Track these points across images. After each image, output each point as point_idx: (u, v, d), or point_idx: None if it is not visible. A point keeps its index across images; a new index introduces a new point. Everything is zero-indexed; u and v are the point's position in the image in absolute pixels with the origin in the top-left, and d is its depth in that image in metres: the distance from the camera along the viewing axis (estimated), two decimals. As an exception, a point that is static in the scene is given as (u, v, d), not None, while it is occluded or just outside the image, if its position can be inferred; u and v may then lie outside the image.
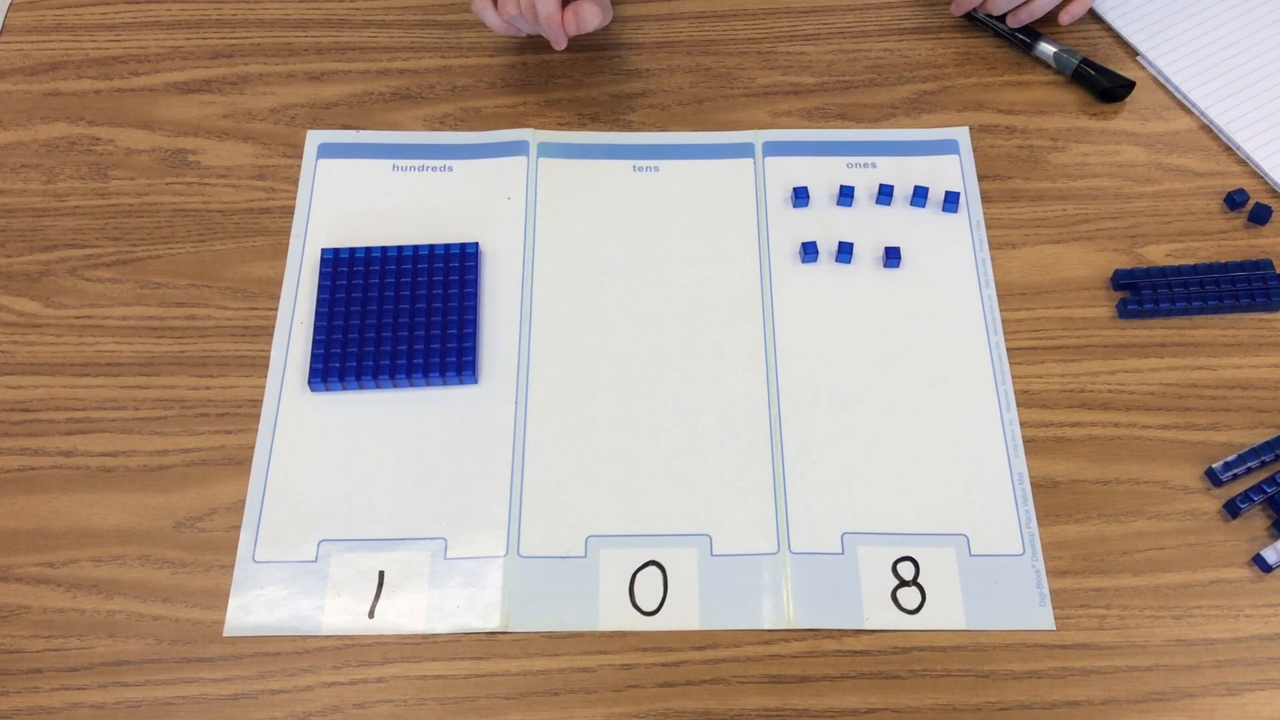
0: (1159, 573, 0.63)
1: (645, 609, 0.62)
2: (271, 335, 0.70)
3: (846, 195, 0.74)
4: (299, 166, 0.76)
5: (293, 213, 0.75)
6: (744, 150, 0.77)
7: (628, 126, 0.78)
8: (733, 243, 0.73)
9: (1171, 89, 0.80)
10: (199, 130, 0.78)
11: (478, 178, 0.76)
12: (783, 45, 0.82)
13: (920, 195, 0.74)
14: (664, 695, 0.59)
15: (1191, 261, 0.72)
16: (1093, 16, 0.83)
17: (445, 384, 0.68)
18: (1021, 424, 0.67)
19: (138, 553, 0.63)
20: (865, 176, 0.76)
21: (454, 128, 0.78)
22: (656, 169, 0.76)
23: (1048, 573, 0.62)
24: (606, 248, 0.73)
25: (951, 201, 0.74)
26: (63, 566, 0.63)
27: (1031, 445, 0.66)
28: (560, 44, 0.72)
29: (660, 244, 0.73)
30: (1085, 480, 0.65)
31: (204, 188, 0.76)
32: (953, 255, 0.73)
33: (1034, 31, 0.81)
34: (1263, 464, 0.65)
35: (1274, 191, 0.75)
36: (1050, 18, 0.79)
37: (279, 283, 0.72)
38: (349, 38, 0.83)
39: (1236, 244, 0.73)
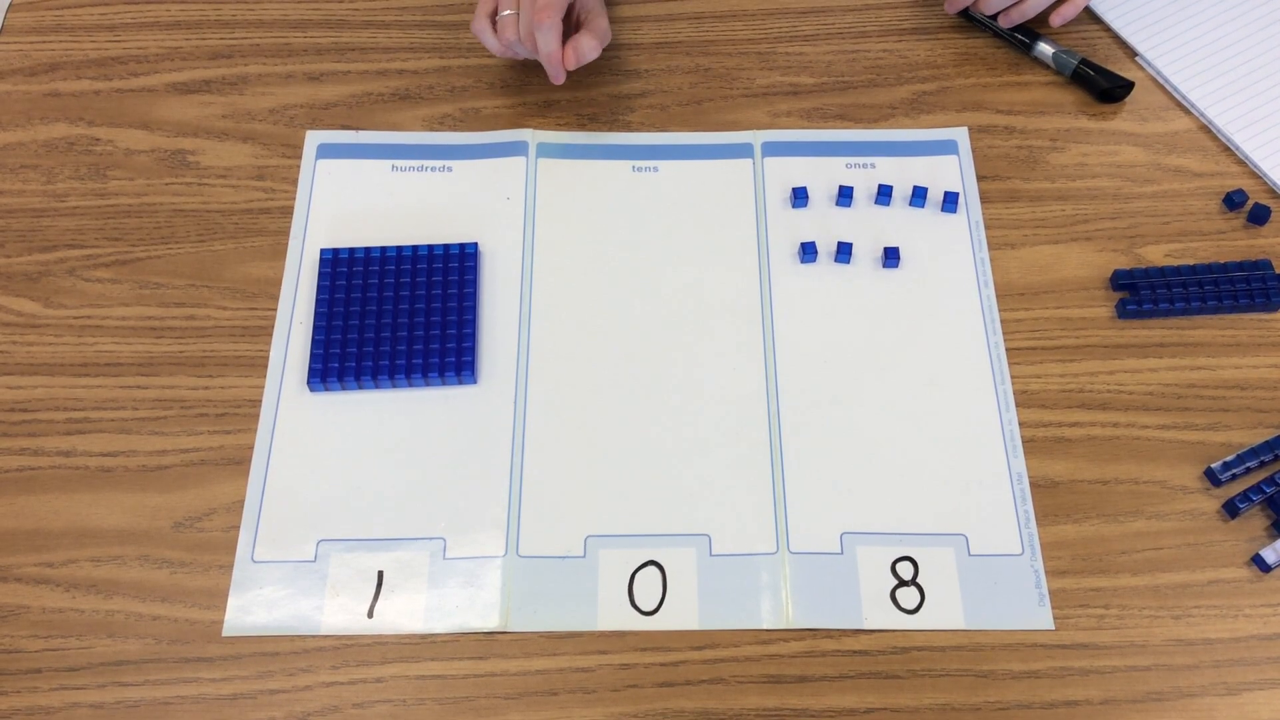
0: (1158, 573, 0.63)
1: (644, 609, 0.62)
2: (270, 335, 0.70)
3: (846, 195, 0.74)
4: (298, 167, 0.76)
5: (292, 213, 0.75)
6: (743, 151, 0.77)
7: (627, 127, 0.78)
8: (732, 243, 0.73)
9: (1170, 89, 0.80)
10: (198, 131, 0.78)
11: (477, 178, 0.76)
12: (782, 46, 0.82)
13: (919, 195, 0.74)
14: (663, 695, 0.59)
15: (1190, 262, 0.72)
16: (1091, 17, 0.83)
17: (444, 384, 0.68)
18: (1020, 424, 0.67)
19: (137, 553, 0.63)
20: (864, 177, 0.76)
21: (453, 128, 0.78)
22: (655, 169, 0.77)
23: (1047, 573, 0.62)
24: (606, 248, 0.73)
25: (950, 202, 0.74)
26: (62, 566, 0.63)
27: (1030, 445, 0.66)
28: (559, 79, 0.74)
29: (659, 244, 0.73)
30: (1084, 480, 0.65)
31: (203, 188, 0.76)
32: (952, 255, 0.73)
33: (1033, 32, 0.81)
34: (1262, 464, 0.65)
35: (1273, 192, 0.75)
36: (1043, 19, 0.79)
37: (278, 283, 0.72)
38: (348, 38, 0.83)
39: (1235, 244, 0.73)
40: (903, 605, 0.62)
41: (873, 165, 0.77)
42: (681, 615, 0.61)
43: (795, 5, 0.84)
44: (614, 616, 0.61)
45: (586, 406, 0.68)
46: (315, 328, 0.69)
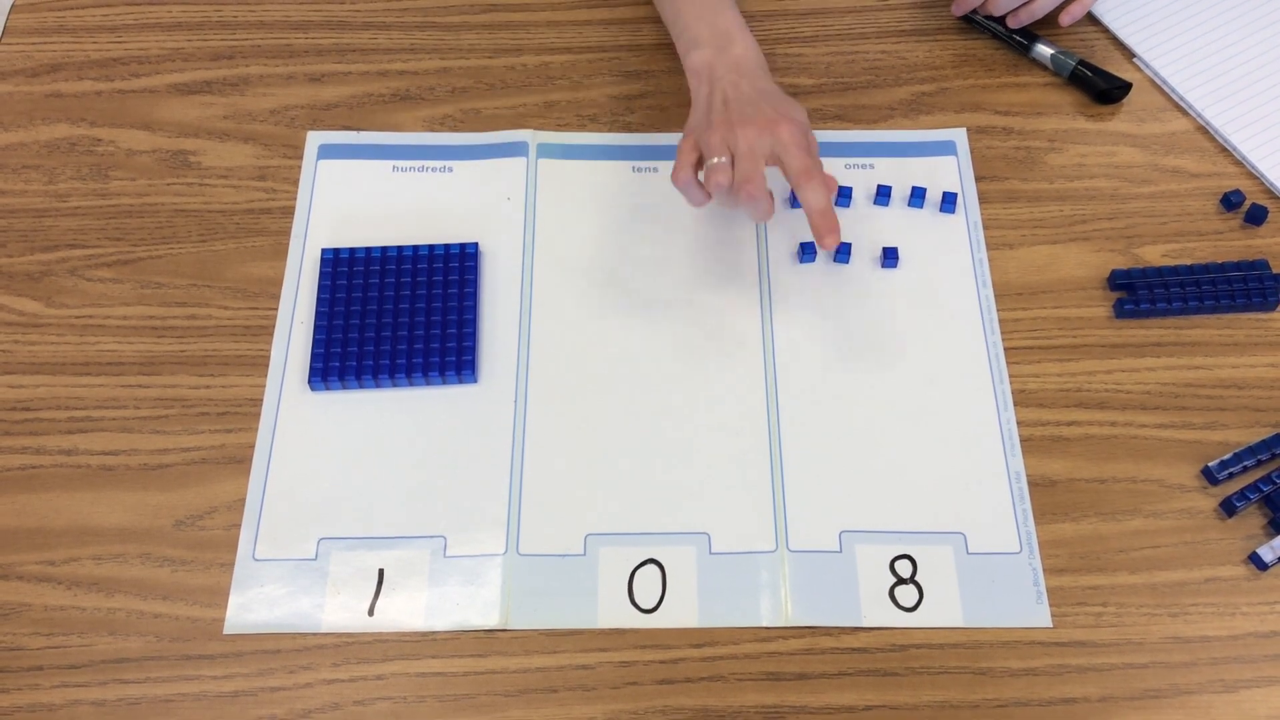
0: (1155, 571, 0.63)
1: (644, 607, 0.62)
2: (272, 335, 0.70)
3: (845, 196, 0.75)
4: (299, 167, 0.77)
5: (293, 213, 0.75)
6: (742, 151, 0.77)
7: (627, 128, 0.79)
8: (731, 243, 0.74)
9: (1168, 90, 0.80)
10: (200, 131, 0.78)
11: (477, 178, 0.76)
12: (781, 47, 0.83)
13: (918, 196, 0.75)
14: (662, 692, 0.60)
15: (1188, 262, 0.73)
16: (1090, 18, 0.83)
17: (445, 383, 0.69)
18: (1019, 423, 0.67)
19: (138, 551, 0.63)
20: (863, 177, 0.76)
21: (453, 129, 0.79)
22: (655, 170, 0.77)
23: (1045, 571, 0.63)
24: (605, 248, 0.74)
25: (949, 202, 0.74)
26: (64, 564, 0.63)
27: (1028, 444, 0.67)
28: (830, 238, 0.62)
29: (659, 244, 0.74)
30: (1082, 479, 0.66)
31: (204, 188, 0.76)
32: (950, 255, 0.73)
33: (1031, 33, 0.81)
34: (1259, 463, 0.65)
35: (1270, 192, 0.75)
36: (1048, 19, 0.80)
37: (279, 283, 0.72)
38: (349, 39, 0.83)
39: (1232, 244, 0.74)
40: (901, 603, 0.62)
41: (871, 166, 0.77)
42: (681, 613, 0.62)
43: (794, 7, 0.85)
44: (614, 614, 0.62)
45: (586, 405, 0.68)
46: (316, 327, 0.69)
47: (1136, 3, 0.83)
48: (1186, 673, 0.60)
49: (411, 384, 0.68)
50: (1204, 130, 0.78)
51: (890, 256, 0.72)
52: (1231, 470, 0.65)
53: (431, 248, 0.72)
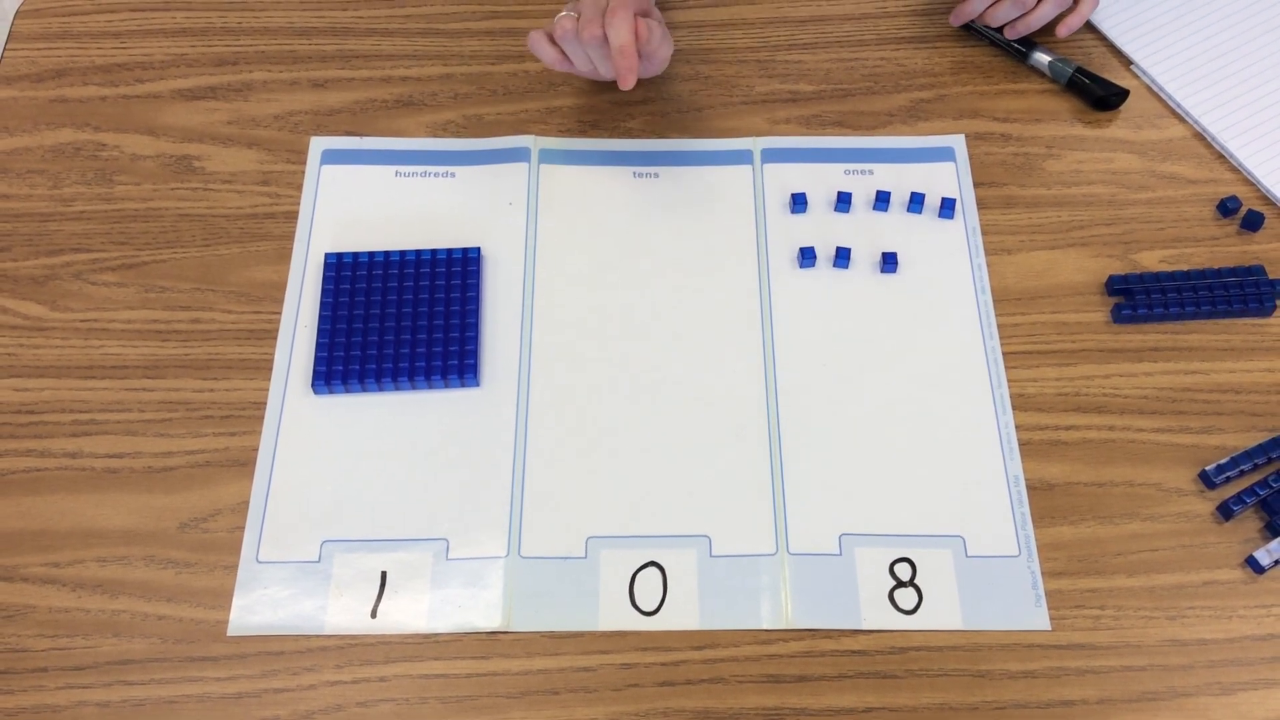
0: (1153, 574, 0.63)
1: (645, 609, 0.62)
2: (275, 338, 0.71)
3: (844, 201, 0.75)
4: (303, 172, 0.77)
5: (296, 218, 0.75)
6: (743, 157, 0.78)
7: (628, 133, 0.79)
8: (732, 248, 0.74)
9: (1165, 97, 0.81)
10: (204, 136, 0.79)
11: (479, 183, 0.77)
12: (781, 54, 0.83)
13: (917, 201, 0.75)
14: (663, 694, 0.60)
15: (1185, 267, 0.73)
16: (1087, 26, 0.84)
17: (447, 387, 0.69)
18: (1017, 427, 0.68)
19: (142, 553, 0.64)
20: (863, 183, 0.77)
21: (456, 134, 0.79)
22: (656, 175, 0.77)
23: (1043, 574, 0.63)
24: (607, 253, 0.74)
25: (948, 208, 0.75)
26: (68, 567, 0.63)
27: (1027, 448, 0.67)
28: (629, 79, 0.67)
29: (660, 249, 0.74)
30: (1080, 482, 0.66)
31: (208, 193, 0.76)
32: (949, 261, 0.74)
33: (1029, 41, 0.82)
34: (1255, 467, 0.66)
35: (1266, 198, 0.76)
36: (1046, 29, 0.80)
37: (283, 287, 0.73)
38: (352, 46, 0.83)
39: (1229, 250, 0.74)
40: (901, 606, 0.62)
41: (871, 171, 0.77)
42: (682, 615, 0.62)
43: (794, 14, 0.85)
44: (615, 617, 0.62)
45: (588, 409, 0.68)
46: (319, 331, 0.70)
47: (1134, 10, 0.84)
48: (1184, 675, 0.60)
49: (414, 387, 0.69)
50: (1201, 137, 0.79)
51: (889, 262, 0.73)
52: (1228, 474, 0.65)
53: (434, 252, 0.72)
